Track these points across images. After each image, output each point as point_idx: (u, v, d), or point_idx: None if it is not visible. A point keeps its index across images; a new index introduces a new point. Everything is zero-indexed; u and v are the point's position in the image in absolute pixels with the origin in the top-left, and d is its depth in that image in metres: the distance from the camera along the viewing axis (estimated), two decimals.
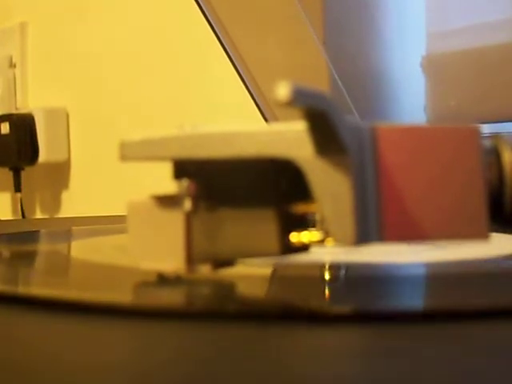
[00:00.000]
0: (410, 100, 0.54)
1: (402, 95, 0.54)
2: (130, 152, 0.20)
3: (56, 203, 0.91)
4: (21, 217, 0.90)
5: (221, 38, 0.53)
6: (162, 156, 0.20)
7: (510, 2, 0.48)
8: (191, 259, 0.20)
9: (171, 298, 0.20)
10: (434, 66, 0.51)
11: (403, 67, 0.54)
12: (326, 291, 0.21)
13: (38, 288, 0.23)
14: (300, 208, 0.19)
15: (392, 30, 0.55)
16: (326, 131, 0.18)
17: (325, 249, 0.20)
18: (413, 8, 0.54)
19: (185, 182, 0.20)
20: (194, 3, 0.53)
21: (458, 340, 0.15)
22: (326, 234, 0.19)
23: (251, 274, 0.23)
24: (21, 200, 0.91)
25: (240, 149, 0.19)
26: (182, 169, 0.20)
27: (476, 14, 0.49)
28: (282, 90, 0.16)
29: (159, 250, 0.20)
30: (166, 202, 0.20)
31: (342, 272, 0.24)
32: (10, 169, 0.90)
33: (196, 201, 0.19)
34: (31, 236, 0.40)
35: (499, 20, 0.48)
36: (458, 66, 0.50)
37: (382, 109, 0.55)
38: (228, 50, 0.53)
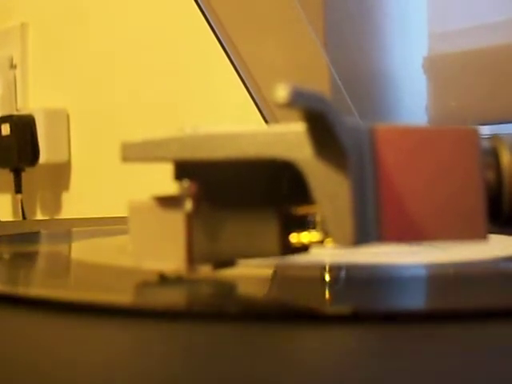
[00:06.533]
0: (412, 101, 0.54)
1: (404, 96, 0.54)
2: (131, 153, 0.20)
3: (56, 204, 0.91)
4: (21, 218, 0.90)
5: (221, 39, 0.53)
6: (163, 157, 0.20)
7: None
8: (192, 259, 0.20)
9: (172, 298, 0.20)
10: (436, 67, 0.51)
11: (405, 68, 0.54)
12: (326, 291, 0.21)
13: (39, 289, 0.23)
14: (300, 209, 0.19)
15: (393, 31, 0.55)
16: (324, 132, 0.18)
17: (324, 249, 0.20)
18: (414, 9, 0.54)
19: (186, 183, 0.20)
20: (195, 4, 0.53)
21: (458, 340, 0.15)
22: (326, 234, 0.19)
23: (252, 275, 0.23)
24: (21, 201, 0.91)
25: (240, 150, 0.19)
26: (183, 170, 0.20)
27: (477, 14, 0.49)
28: (281, 92, 0.16)
29: (160, 250, 0.20)
30: (167, 202, 0.20)
31: (342, 272, 0.24)
32: (11, 170, 0.90)
33: (197, 201, 0.20)
34: (32, 237, 0.40)
35: (500, 21, 0.48)
36: (460, 66, 0.50)
37: (383, 110, 0.55)
38: (228, 51, 0.53)
